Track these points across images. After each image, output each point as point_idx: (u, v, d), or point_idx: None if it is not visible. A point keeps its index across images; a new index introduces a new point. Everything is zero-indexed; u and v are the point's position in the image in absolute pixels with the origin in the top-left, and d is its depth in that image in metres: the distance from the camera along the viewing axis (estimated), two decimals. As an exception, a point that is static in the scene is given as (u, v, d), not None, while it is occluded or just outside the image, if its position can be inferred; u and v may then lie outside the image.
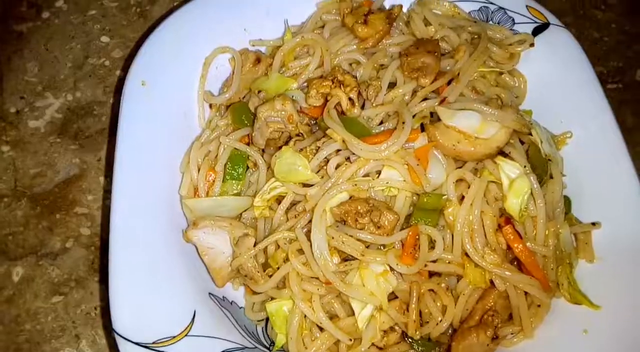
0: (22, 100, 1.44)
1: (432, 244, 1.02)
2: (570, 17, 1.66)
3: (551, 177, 1.09)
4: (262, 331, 1.08)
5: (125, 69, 1.49)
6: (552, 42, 1.27)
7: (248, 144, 1.17)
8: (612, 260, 1.07)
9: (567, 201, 1.14)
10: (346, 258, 1.02)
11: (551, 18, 1.30)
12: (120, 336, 0.93)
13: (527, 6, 1.31)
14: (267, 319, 1.08)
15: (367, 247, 1.01)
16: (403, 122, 1.04)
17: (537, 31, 1.29)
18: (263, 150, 1.16)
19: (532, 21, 1.30)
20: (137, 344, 0.93)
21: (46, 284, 1.22)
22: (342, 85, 1.12)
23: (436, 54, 1.16)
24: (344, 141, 1.05)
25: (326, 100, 1.13)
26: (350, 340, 1.00)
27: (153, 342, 0.94)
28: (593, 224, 1.10)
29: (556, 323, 1.03)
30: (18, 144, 1.39)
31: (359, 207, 1.00)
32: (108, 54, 1.53)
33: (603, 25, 1.66)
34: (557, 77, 1.25)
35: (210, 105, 1.26)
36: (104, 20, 1.57)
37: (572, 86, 1.23)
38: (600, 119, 1.19)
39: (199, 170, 1.16)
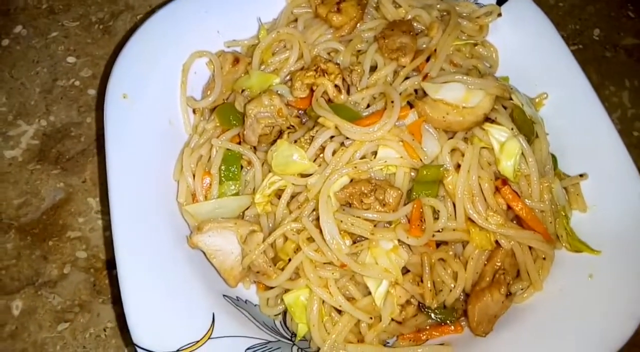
0: (-7, 132, 1.40)
1: (436, 215, 1.05)
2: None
3: (537, 136, 1.14)
4: (281, 324, 1.08)
5: (99, 86, 1.47)
6: (516, 11, 1.33)
7: (239, 143, 1.17)
8: (602, 206, 1.12)
9: (554, 158, 1.19)
10: (355, 240, 1.04)
11: (511, -12, 1.35)
12: (143, 349, 0.91)
13: (487, -21, 1.36)
14: (284, 312, 1.09)
15: (375, 226, 1.03)
16: (392, 102, 1.06)
17: (500, 2, 1.34)
18: (255, 148, 1.17)
19: (493, -7, 1.35)
20: (162, 354, 0.91)
21: (49, 313, 1.19)
22: (325, 74, 1.13)
23: (411, 33, 1.19)
24: (336, 127, 1.07)
25: (312, 91, 1.15)
26: (371, 318, 1.01)
27: (177, 350, 0.92)
28: (580, 175, 1.15)
29: (562, 273, 1.07)
30: (-4, 175, 1.34)
31: (363, 188, 1.01)
32: (76, 74, 1.49)
33: (557, -9, 1.74)
34: (525, 43, 1.31)
35: (194, 111, 1.26)
36: (67, 41, 1.53)
37: (540, 50, 1.29)
38: (571, 77, 1.25)
39: (193, 176, 1.15)
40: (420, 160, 1.03)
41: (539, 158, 1.12)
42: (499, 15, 1.28)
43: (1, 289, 1.20)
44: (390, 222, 1.03)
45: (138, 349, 0.91)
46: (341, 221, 1.00)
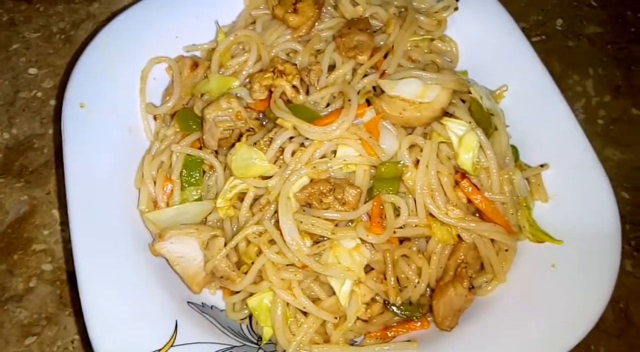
0: (-45, 147, 1.38)
1: (397, 212, 1.05)
2: (487, -19, 1.74)
3: (495, 129, 1.14)
4: (248, 329, 1.08)
5: (60, 97, 1.45)
6: (474, 4, 1.33)
7: (200, 148, 1.16)
8: (564, 196, 1.13)
9: (514, 150, 1.20)
10: (317, 240, 1.03)
11: (467, -18, 1.36)
12: (105, 361, 0.90)
13: (442, -26, 1.36)
14: (250, 316, 1.08)
15: (336, 225, 1.03)
16: (349, 100, 1.06)
17: (456, -4, 1.34)
18: (216, 152, 1.16)
19: (450, -13, 1.35)
20: (123, 364, 0.90)
21: (16, 327, 1.17)
22: (283, 75, 1.13)
23: (368, 31, 1.19)
24: (295, 128, 1.06)
25: (270, 92, 1.14)
26: (336, 318, 1.01)
27: (139, 359, 0.92)
28: (541, 165, 1.16)
29: (525, 264, 1.08)
30: (-41, 191, 1.32)
31: (322, 188, 1.01)
32: (39, 85, 1.48)
33: (518, -17, 1.75)
34: (484, 36, 1.31)
35: (155, 117, 1.25)
36: (29, 52, 1.52)
37: (499, 43, 1.30)
38: (531, 68, 1.25)
39: (154, 182, 1.14)
40: (379, 157, 1.03)
41: (498, 150, 1.12)
42: (456, 9, 1.28)
43: (-34, 306, 1.19)
44: (351, 221, 1.03)
45: (99, 361, 0.90)
46: (301, 222, 1.00)
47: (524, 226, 1.10)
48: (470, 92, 1.16)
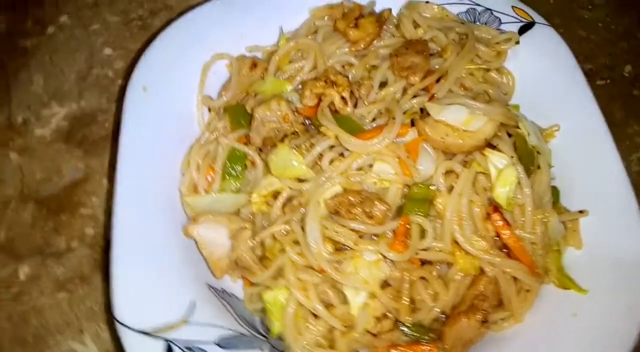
0: (28, 111, 1.50)
1: (423, 235, 1.05)
2: (558, 18, 1.71)
3: (538, 167, 1.13)
4: (260, 322, 1.11)
5: (127, 78, 1.56)
6: (538, 40, 1.33)
7: (246, 144, 1.22)
8: (598, 246, 1.10)
9: (556, 191, 1.18)
10: (340, 248, 1.06)
11: (536, 17, 1.35)
12: (121, 324, 0.96)
13: (512, 6, 1.37)
14: (264, 311, 1.11)
15: (361, 237, 1.05)
16: (393, 118, 1.09)
17: (523, 30, 1.34)
18: (260, 150, 1.21)
19: (518, 20, 1.35)
20: (137, 331, 0.96)
21: (52, 281, 1.26)
22: (334, 85, 1.17)
23: (425, 53, 1.21)
24: (337, 138, 1.09)
25: (320, 100, 1.18)
26: (345, 327, 1.03)
27: (153, 330, 0.97)
28: (580, 211, 1.13)
29: (546, 308, 1.05)
30: (25, 151, 1.44)
31: (352, 198, 1.03)
32: (111, 65, 1.59)
33: (590, 24, 1.71)
34: (544, 72, 1.30)
35: (209, 109, 1.32)
36: (107, 34, 1.64)
37: (559, 81, 1.28)
38: (586, 111, 1.23)
39: (198, 169, 1.20)
40: (413, 178, 1.05)
41: (537, 189, 1.11)
42: (517, 43, 1.28)
43: (12, 254, 1.29)
44: (376, 236, 1.05)
45: (116, 323, 0.96)
46: (326, 228, 1.03)
47: (551, 270, 1.08)
48: (518, 127, 1.16)
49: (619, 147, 1.47)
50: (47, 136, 1.47)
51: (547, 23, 1.34)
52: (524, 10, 1.36)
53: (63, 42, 1.62)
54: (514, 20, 1.35)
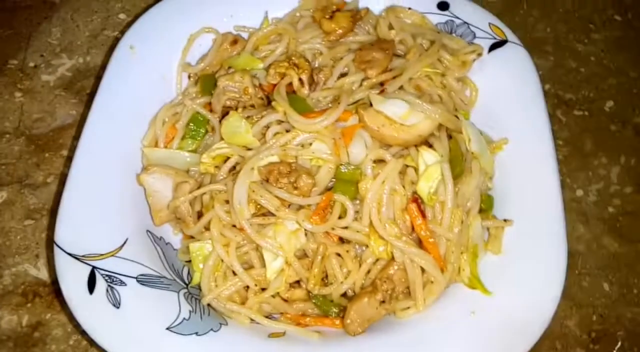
0: (41, 58, 1.66)
1: (346, 215, 1.12)
2: (551, 47, 1.74)
3: (471, 171, 1.17)
4: (188, 273, 1.20)
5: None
6: (507, 57, 1.37)
7: (211, 111, 1.32)
8: (514, 254, 1.13)
9: (489, 199, 1.22)
10: (266, 214, 1.13)
11: (510, 36, 1.40)
12: (58, 246, 1.08)
13: (489, 23, 1.41)
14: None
15: (288, 207, 1.12)
16: (339, 103, 1.16)
17: (495, 46, 1.39)
18: (223, 117, 1.31)
19: (491, 37, 1.40)
20: (68, 254, 1.07)
21: (23, 209, 1.40)
22: (296, 67, 1.26)
23: (388, 51, 1.28)
24: (285, 114, 1.18)
25: (282, 79, 1.27)
26: (256, 286, 1.10)
27: (83, 256, 1.08)
28: (505, 220, 1.17)
29: (449, 303, 1.09)
30: (29, 92, 1.60)
31: (281, 168, 1.11)
32: (122, 29, 1.74)
33: (582, 57, 1.72)
34: (506, 88, 1.34)
35: (189, 76, 1.43)
36: (125, 0, 1.79)
37: (517, 98, 1.32)
38: (537, 130, 1.26)
39: (163, 125, 1.31)
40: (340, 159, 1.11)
41: (464, 191, 1.15)
42: (479, 54, 1.32)
43: (-4, 180, 1.44)
44: (301, 207, 1.12)
45: (54, 246, 1.08)
46: (253, 191, 1.11)
47: (464, 269, 1.12)
48: (461, 132, 1.20)
49: (580, 176, 1.49)
50: (51, 82, 1.62)
51: (519, 43, 1.38)
52: (499, 28, 1.40)
53: (85, 3, 1.78)
54: (488, 36, 1.40)
